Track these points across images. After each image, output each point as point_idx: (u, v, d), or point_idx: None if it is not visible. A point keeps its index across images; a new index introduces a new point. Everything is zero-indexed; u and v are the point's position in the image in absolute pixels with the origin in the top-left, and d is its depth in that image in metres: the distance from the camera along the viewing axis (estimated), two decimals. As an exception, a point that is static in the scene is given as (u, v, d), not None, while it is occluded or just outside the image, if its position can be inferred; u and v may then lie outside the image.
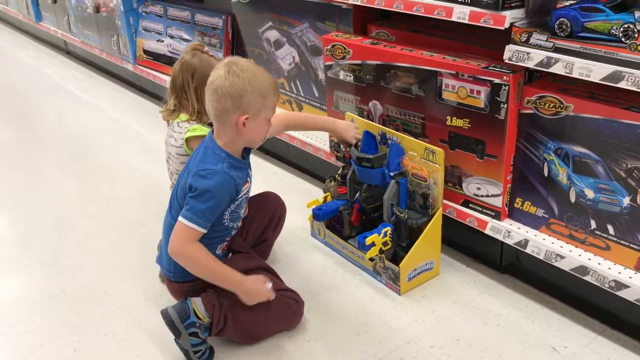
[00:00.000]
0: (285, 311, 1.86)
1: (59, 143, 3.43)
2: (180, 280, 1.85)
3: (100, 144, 3.36)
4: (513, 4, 1.73)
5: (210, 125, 1.90)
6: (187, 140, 2.08)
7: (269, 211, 2.10)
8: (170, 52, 3.52)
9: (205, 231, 1.74)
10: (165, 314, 1.72)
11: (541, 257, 1.86)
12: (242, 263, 1.87)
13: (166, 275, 1.89)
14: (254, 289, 1.78)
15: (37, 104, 4.10)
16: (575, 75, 1.59)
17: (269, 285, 1.81)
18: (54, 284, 2.17)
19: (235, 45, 3.18)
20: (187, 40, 3.39)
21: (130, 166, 3.07)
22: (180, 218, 1.73)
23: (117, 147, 3.32)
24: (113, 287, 2.14)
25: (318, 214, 2.25)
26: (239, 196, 1.81)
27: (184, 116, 2.13)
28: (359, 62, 2.21)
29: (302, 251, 2.31)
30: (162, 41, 3.56)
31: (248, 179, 1.86)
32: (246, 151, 1.88)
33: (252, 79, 1.71)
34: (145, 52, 3.69)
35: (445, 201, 2.06)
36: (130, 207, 2.68)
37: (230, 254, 1.96)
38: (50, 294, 2.12)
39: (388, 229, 2.03)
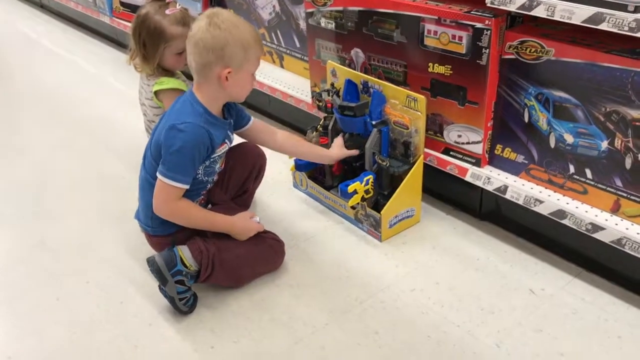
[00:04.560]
0: (268, 251, 1.89)
1: (36, 98, 3.36)
2: (160, 234, 1.85)
3: (78, 99, 3.30)
4: (496, -54, 1.71)
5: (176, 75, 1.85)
6: (156, 93, 2.06)
7: (249, 162, 2.08)
8: (147, 3, 3.43)
9: (187, 187, 1.74)
10: (152, 262, 1.72)
11: (520, 202, 1.89)
12: (223, 213, 1.87)
13: (144, 230, 1.89)
14: (245, 226, 1.85)
15: (10, 59, 4.00)
16: (557, 17, 1.59)
17: (257, 218, 1.88)
18: (35, 235, 2.16)
19: (215, -5, 3.12)
20: (164, -9, 3.31)
21: (108, 120, 3.03)
22: (159, 176, 1.71)
23: (95, 102, 3.26)
24: (94, 238, 2.14)
25: (300, 165, 2.25)
26: (214, 155, 1.79)
27: (148, 69, 2.09)
28: (340, 8, 2.18)
29: (284, 202, 2.32)
30: (139, -8, 3.47)
31: (227, 140, 1.83)
32: (228, 112, 1.86)
33: (234, 30, 1.67)
34: (122, 4, 3.60)
35: (426, 149, 2.07)
36: (109, 160, 2.66)
37: (210, 205, 1.95)
38: (31, 245, 2.11)
39: (370, 177, 2.04)
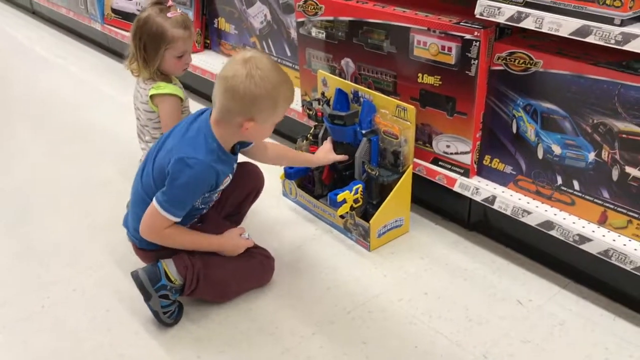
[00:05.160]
0: (256, 268, 1.87)
1: (26, 104, 3.35)
2: (147, 248, 1.81)
3: (68, 105, 3.29)
4: (485, -41, 1.72)
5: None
6: (152, 97, 2.05)
7: (247, 186, 2.04)
8: (139, 10, 3.42)
9: (179, 220, 1.70)
10: (135, 276, 1.70)
11: (508, 213, 1.89)
12: (212, 231, 1.83)
13: (132, 241, 1.85)
14: (234, 244, 1.82)
15: (1, 65, 3.98)
16: (545, 30, 1.60)
17: (246, 234, 1.85)
18: (22, 242, 2.15)
19: (206, 4, 3.12)
20: (156, -1, 3.31)
21: (98, 126, 3.02)
22: (155, 204, 1.67)
23: (85, 108, 3.25)
24: (82, 245, 2.13)
25: (290, 173, 2.25)
26: (217, 189, 1.77)
27: (146, 74, 2.08)
28: (331, 18, 2.19)
29: (273, 210, 2.31)
30: (131, -1, 3.48)
31: (230, 174, 1.79)
32: (241, 143, 1.81)
33: (269, 86, 1.61)
34: (114, 10, 3.60)
35: (415, 159, 2.07)
36: (98, 166, 2.64)
37: (200, 223, 1.92)
38: (18, 252, 2.10)
39: (359, 186, 2.04)
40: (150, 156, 1.79)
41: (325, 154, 2.11)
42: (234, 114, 1.64)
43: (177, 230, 1.72)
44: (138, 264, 1.83)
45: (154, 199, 1.68)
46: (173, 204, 1.66)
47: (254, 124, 1.65)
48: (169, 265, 1.72)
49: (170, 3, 2.07)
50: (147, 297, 1.70)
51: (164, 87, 2.05)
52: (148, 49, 2.02)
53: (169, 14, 2.02)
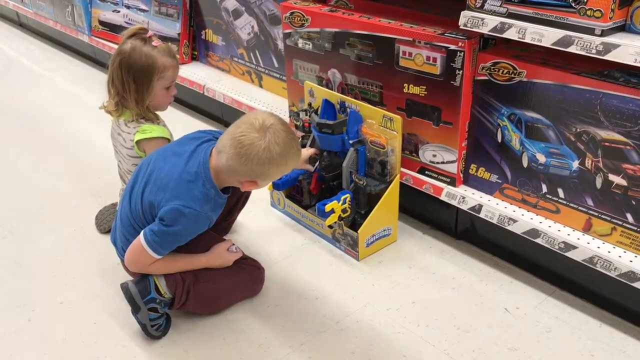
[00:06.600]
0: (246, 279, 1.87)
1: (12, 116, 3.33)
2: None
3: (55, 117, 3.28)
4: (468, -29, 1.75)
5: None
6: (137, 142, 1.95)
7: (235, 195, 2.03)
8: (126, 22, 3.44)
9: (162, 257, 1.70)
10: (125, 288, 1.69)
11: (494, 221, 1.91)
12: (200, 245, 1.82)
13: (121, 258, 1.83)
14: (222, 260, 1.81)
15: (-12, 76, 3.98)
16: (527, 40, 1.62)
17: (233, 247, 1.85)
18: (8, 255, 2.13)
19: (194, 15, 3.13)
20: (144, 11, 3.32)
21: (85, 138, 3.01)
22: (143, 241, 1.65)
23: (72, 120, 3.24)
24: (68, 257, 2.11)
25: (277, 184, 2.25)
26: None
27: (128, 114, 1.97)
28: (317, 29, 2.21)
29: (262, 221, 2.31)
30: (118, 11, 3.48)
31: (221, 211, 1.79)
32: None
33: (282, 163, 1.63)
34: (101, 23, 3.60)
35: (402, 169, 2.09)
36: (85, 179, 2.63)
37: None
38: (3, 265, 2.08)
39: (347, 196, 2.04)
40: (140, 175, 1.75)
41: (300, 163, 2.09)
42: (239, 175, 1.65)
43: (162, 262, 1.71)
44: (126, 276, 1.82)
45: (142, 235, 1.66)
46: (162, 245, 1.66)
47: (255, 184, 1.68)
48: (159, 279, 1.71)
49: (150, 33, 1.97)
50: (135, 310, 1.69)
51: (150, 131, 1.94)
52: (139, 82, 1.91)
53: (153, 43, 1.94)
